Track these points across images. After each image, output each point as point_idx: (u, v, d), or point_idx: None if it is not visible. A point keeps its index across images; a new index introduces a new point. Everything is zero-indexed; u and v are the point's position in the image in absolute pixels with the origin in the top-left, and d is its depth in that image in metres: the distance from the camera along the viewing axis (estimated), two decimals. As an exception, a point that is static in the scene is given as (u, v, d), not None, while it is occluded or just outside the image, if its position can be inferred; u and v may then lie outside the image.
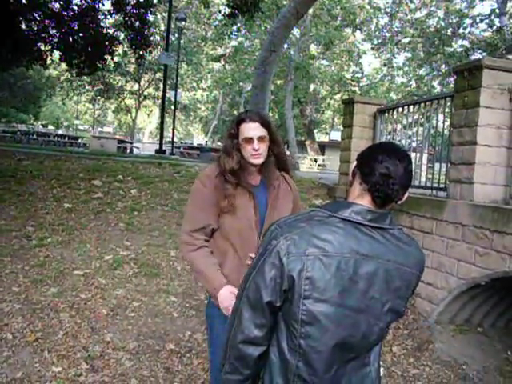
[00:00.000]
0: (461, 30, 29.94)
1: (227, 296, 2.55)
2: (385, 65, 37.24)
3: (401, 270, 1.74)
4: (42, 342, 4.49)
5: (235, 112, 46.66)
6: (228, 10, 13.88)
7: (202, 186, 2.72)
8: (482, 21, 28.94)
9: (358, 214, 1.70)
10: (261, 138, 2.65)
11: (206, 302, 2.74)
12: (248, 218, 2.64)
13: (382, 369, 4.93)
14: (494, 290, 5.19)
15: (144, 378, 4.23)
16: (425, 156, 7.20)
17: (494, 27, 27.64)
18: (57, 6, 13.60)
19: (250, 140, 2.64)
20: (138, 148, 32.65)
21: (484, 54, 26.54)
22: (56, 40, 13.47)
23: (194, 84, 47.18)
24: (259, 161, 2.68)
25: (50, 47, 13.76)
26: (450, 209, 5.39)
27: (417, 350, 5.15)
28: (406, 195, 1.77)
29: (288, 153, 24.91)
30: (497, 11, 26.74)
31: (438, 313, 5.44)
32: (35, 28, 13.35)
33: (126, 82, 43.19)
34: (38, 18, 13.27)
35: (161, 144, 18.98)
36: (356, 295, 1.68)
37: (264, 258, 1.71)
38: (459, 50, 30.05)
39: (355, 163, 1.81)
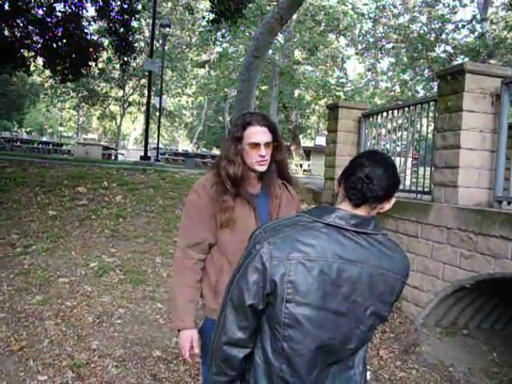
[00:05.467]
0: (443, 36, 30.23)
1: (187, 339, 2.54)
2: (369, 70, 37.47)
3: (385, 275, 1.75)
4: (27, 351, 4.44)
5: (220, 118, 46.74)
6: (212, 16, 13.90)
7: (197, 197, 2.54)
8: (463, 26, 29.26)
9: (342, 219, 1.72)
10: (267, 144, 2.48)
11: (200, 322, 2.70)
12: (248, 231, 2.34)
13: (369, 373, 4.93)
14: (479, 293, 5.23)
15: (131, 385, 4.20)
16: (409, 160, 7.24)
17: (476, 33, 27.94)
18: (40, 12, 13.53)
19: (256, 145, 2.46)
20: (122, 154, 32.55)
21: (466, 59, 26.79)
22: (39, 46, 13.40)
23: (179, 90, 47.10)
24: (264, 168, 2.51)
25: (33, 54, 13.69)
26: (435, 212, 5.42)
27: (404, 353, 5.16)
28: (392, 201, 1.80)
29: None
30: (478, 17, 27.05)
31: (424, 316, 5.46)
32: (18, 34, 13.26)
33: (111, 88, 43.08)
34: (21, 25, 13.19)
35: (146, 150, 18.91)
36: (338, 299, 1.69)
37: (248, 262, 1.73)
38: (442, 55, 30.34)
39: (342, 170, 1.84)
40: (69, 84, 30.47)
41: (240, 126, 2.50)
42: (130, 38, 14.23)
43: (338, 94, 34.33)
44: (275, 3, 18.44)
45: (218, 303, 2.46)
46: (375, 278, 1.73)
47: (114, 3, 13.57)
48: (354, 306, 1.72)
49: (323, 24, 31.69)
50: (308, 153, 39.37)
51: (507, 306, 5.57)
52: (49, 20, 13.25)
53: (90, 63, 14.25)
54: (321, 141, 37.29)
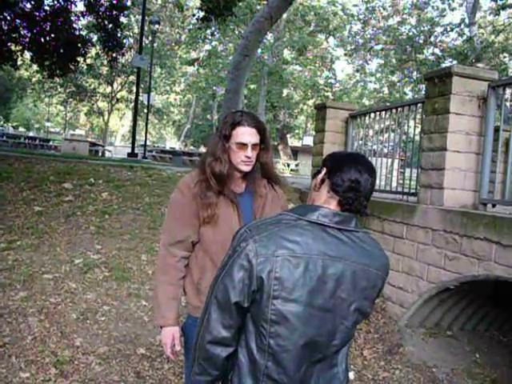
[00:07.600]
0: (432, 38, 30.43)
1: (169, 336, 2.54)
2: (357, 71, 37.63)
3: (366, 271, 1.79)
4: (10, 347, 4.41)
5: (208, 116, 46.67)
6: (202, 14, 13.90)
7: (181, 195, 2.53)
8: (452, 30, 29.47)
9: (325, 216, 1.75)
10: (254, 146, 2.47)
11: (182, 319, 2.69)
12: (231, 229, 2.30)
13: (352, 372, 4.94)
14: (462, 294, 5.27)
15: (114, 382, 4.18)
16: (396, 161, 7.28)
17: (464, 36, 28.15)
18: (28, 5, 13.43)
19: (243, 146, 2.44)
20: (110, 151, 32.38)
21: (454, 61, 26.98)
22: (27, 40, 13.31)
23: (168, 87, 47.01)
24: (248, 168, 2.50)
25: (21, 48, 13.59)
26: (421, 213, 5.45)
27: (387, 354, 5.19)
28: None
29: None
30: (466, 21, 27.25)
31: (408, 316, 5.50)
32: (5, 28, 13.14)
33: (99, 84, 42.84)
34: (9, 18, 13.08)
35: (133, 147, 18.85)
36: (324, 295, 1.71)
37: (233, 260, 1.73)
38: (431, 57, 30.54)
39: (324, 171, 1.89)
40: (56, 79, 30.09)
41: (229, 124, 2.47)
42: (119, 34, 14.20)
43: (326, 94, 34.47)
44: (265, 2, 18.45)
45: (200, 301, 2.46)
46: (358, 274, 1.76)
47: (103, -2, 13.53)
48: (338, 301, 1.74)
49: (313, 24, 31.85)
50: (295, 152, 39.48)
51: (490, 307, 5.63)
52: (37, 14, 13.16)
53: (78, 58, 14.20)
54: (308, 141, 37.42)
